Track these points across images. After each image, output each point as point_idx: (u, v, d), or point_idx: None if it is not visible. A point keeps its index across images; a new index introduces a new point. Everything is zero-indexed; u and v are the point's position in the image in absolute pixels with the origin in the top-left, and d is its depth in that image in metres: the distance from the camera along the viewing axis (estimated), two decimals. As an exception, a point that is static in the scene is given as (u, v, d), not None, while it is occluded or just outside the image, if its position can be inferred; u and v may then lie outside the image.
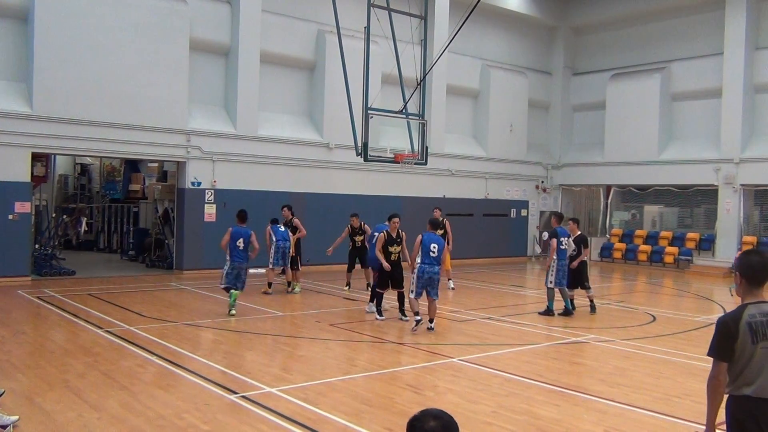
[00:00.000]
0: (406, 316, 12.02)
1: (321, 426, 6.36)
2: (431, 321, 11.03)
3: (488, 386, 7.92)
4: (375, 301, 12.44)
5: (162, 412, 6.63)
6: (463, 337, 11.12)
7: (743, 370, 3.89)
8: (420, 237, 11.04)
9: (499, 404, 7.21)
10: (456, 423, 2.63)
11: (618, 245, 25.60)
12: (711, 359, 3.96)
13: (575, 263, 13.17)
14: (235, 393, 7.34)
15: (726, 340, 3.88)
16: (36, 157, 17.32)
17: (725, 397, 4.02)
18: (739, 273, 4.02)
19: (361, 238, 15.65)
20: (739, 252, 3.95)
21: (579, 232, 13.62)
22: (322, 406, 6.92)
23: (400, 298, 12.27)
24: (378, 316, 12.21)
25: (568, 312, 13.07)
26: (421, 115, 19.15)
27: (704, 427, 4.12)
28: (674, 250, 24.07)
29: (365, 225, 15.80)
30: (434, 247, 10.92)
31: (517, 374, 8.54)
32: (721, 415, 4.05)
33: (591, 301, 13.52)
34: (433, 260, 10.89)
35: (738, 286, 4.06)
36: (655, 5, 25.10)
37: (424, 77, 18.63)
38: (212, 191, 18.72)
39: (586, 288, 13.53)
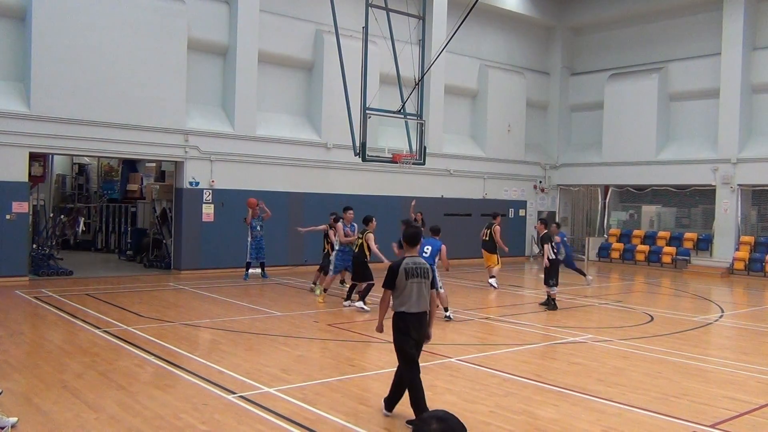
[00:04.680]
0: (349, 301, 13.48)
1: (319, 426, 6.36)
2: (446, 310, 12.18)
3: (486, 386, 7.92)
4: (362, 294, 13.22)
5: (160, 413, 6.62)
6: (461, 337, 11.12)
7: (401, 296, 6.45)
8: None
9: (497, 404, 7.22)
10: (462, 424, 2.55)
11: (616, 245, 25.63)
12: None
13: (546, 262, 13.92)
14: (233, 393, 7.34)
15: (392, 278, 6.47)
16: (34, 157, 17.29)
17: (392, 313, 6.56)
18: (403, 239, 6.76)
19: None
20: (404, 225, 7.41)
21: (545, 231, 14.21)
22: (320, 406, 6.92)
23: (351, 288, 13.70)
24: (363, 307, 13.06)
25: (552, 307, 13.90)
26: (419, 115, 19.16)
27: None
28: (672, 250, 24.10)
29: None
30: (427, 249, 12.03)
31: (515, 374, 8.55)
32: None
33: (551, 298, 13.93)
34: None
35: (403, 248, 6.81)
36: (653, 6, 25.13)
37: (422, 77, 18.66)
38: (210, 191, 18.71)
39: (549, 285, 13.88)
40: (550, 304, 13.98)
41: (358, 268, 13.31)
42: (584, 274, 18.02)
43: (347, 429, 6.35)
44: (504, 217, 25.01)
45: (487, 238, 17.58)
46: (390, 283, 6.51)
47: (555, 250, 14.05)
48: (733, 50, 22.78)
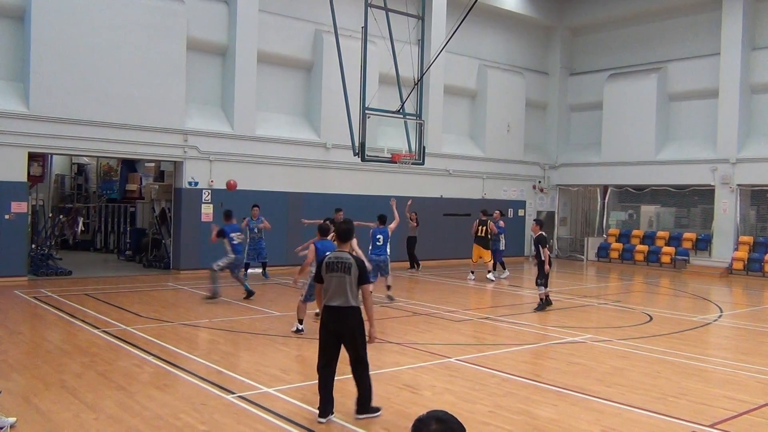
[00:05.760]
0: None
1: (318, 426, 6.35)
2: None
3: (485, 386, 7.92)
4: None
5: (159, 413, 6.62)
6: (460, 336, 11.12)
7: (327, 289, 6.58)
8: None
9: (496, 404, 7.22)
10: (461, 425, 2.55)
11: (615, 245, 25.63)
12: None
13: (547, 266, 13.60)
14: (233, 393, 7.34)
15: (318, 271, 6.72)
16: (33, 157, 17.29)
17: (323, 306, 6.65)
18: (335, 234, 7.04)
19: None
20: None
21: (540, 233, 13.96)
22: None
23: None
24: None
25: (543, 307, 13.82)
26: (418, 115, 19.17)
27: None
28: (671, 250, 24.10)
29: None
30: (379, 238, 13.29)
31: (514, 374, 8.55)
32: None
33: (546, 297, 13.77)
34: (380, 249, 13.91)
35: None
36: (652, 6, 25.14)
37: (422, 77, 18.66)
38: (209, 191, 18.70)
39: (538, 285, 13.75)
40: (541, 303, 13.80)
41: None
42: (504, 267, 19.38)
43: (346, 429, 6.35)
44: (503, 217, 25.10)
45: (483, 234, 18.26)
46: (317, 276, 6.76)
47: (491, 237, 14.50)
48: (732, 50, 22.79)
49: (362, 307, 6.69)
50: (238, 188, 17.31)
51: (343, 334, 6.54)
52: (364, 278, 6.62)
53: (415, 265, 20.97)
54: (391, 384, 7.90)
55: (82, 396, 7.10)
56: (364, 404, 6.61)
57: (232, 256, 13.71)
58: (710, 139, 23.59)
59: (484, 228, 18.28)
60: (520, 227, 26.55)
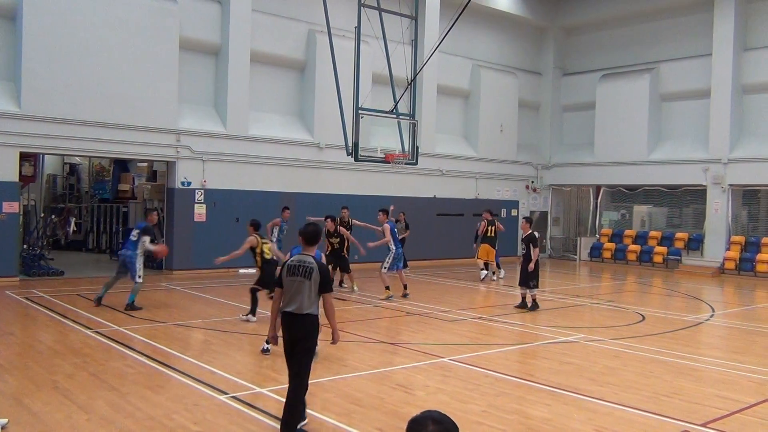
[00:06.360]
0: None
1: (312, 426, 6.34)
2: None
3: (479, 386, 7.93)
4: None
5: (151, 413, 6.60)
6: (454, 336, 11.13)
7: (286, 294, 6.10)
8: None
9: (489, 404, 7.22)
10: (455, 425, 2.56)
11: (607, 245, 25.72)
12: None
13: (532, 264, 13.42)
14: (225, 393, 7.32)
15: (280, 275, 6.21)
16: (24, 157, 17.20)
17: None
18: (300, 236, 6.30)
19: (338, 240, 15.35)
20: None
21: (530, 231, 13.84)
22: (312, 406, 6.89)
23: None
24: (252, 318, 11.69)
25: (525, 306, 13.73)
26: (411, 115, 19.17)
27: None
28: (663, 249, 24.20)
29: (342, 226, 15.79)
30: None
31: (508, 374, 8.56)
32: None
33: (534, 300, 13.65)
34: None
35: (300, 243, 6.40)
36: (645, 6, 25.23)
37: (415, 77, 18.65)
38: (202, 191, 18.66)
39: (530, 287, 13.63)
40: (532, 305, 13.72)
41: (343, 262, 15.31)
42: (499, 267, 19.48)
43: (340, 429, 6.34)
44: (496, 217, 25.13)
45: (493, 234, 18.44)
46: (278, 280, 6.28)
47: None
48: (724, 51, 22.89)
49: (321, 317, 6.21)
50: (229, 188, 17.19)
51: (294, 341, 6.14)
52: (325, 286, 6.06)
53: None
54: (385, 384, 7.90)
55: (74, 397, 7.07)
56: (289, 428, 5.98)
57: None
58: (702, 140, 23.69)
59: (493, 228, 18.44)
60: (513, 227, 26.57)
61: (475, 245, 19.42)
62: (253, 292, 11.69)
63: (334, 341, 6.45)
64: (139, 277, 12.38)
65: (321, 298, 6.11)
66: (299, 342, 6.10)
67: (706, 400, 7.65)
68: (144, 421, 6.36)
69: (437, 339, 10.73)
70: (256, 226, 12.02)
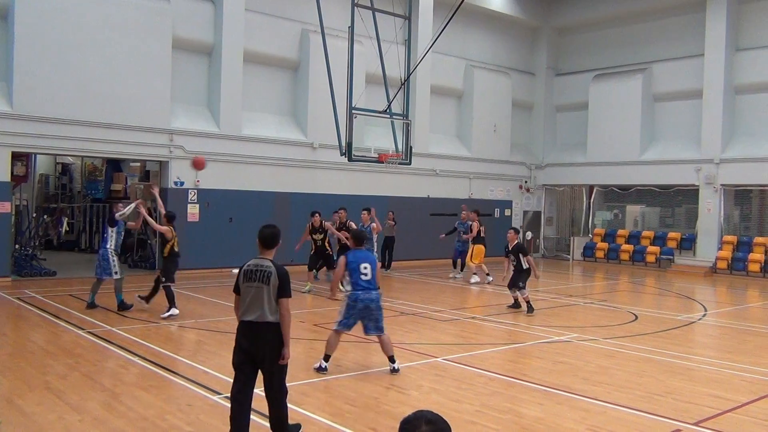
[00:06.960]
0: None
1: (305, 426, 6.33)
2: (393, 361, 8.43)
3: (472, 385, 7.94)
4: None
5: (144, 414, 6.58)
6: (447, 336, 11.14)
7: (243, 301, 5.66)
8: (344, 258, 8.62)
9: (482, 403, 7.23)
10: (448, 425, 2.56)
11: (600, 245, 25.80)
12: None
13: (538, 272, 13.85)
14: (219, 393, 7.30)
15: (237, 281, 5.72)
16: (16, 157, 17.12)
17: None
18: (258, 239, 5.78)
19: (321, 236, 15.71)
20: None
21: (517, 241, 13.94)
22: (306, 406, 6.90)
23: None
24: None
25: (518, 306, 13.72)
26: (405, 115, 19.16)
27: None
28: (656, 249, 24.29)
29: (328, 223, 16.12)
30: (365, 268, 8.42)
31: (501, 373, 8.58)
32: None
33: (528, 303, 13.51)
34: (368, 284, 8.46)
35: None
36: (637, 7, 25.32)
37: (408, 77, 18.65)
38: (195, 191, 18.61)
39: (520, 287, 13.59)
40: (528, 308, 13.66)
41: (328, 259, 15.81)
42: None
43: (333, 429, 6.34)
44: (489, 217, 25.17)
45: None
46: (235, 286, 5.77)
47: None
48: (716, 51, 22.99)
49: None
50: (223, 187, 17.21)
51: (257, 355, 5.60)
52: (283, 290, 5.56)
53: (386, 266, 20.21)
54: (378, 384, 7.90)
55: (66, 397, 7.04)
56: None
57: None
58: (694, 140, 23.78)
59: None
60: (507, 227, 26.53)
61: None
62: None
63: (282, 358, 5.60)
64: (116, 273, 12.31)
65: (278, 304, 5.58)
66: (267, 360, 5.58)
67: (698, 399, 7.68)
68: (137, 422, 6.34)
69: (431, 339, 10.74)
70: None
